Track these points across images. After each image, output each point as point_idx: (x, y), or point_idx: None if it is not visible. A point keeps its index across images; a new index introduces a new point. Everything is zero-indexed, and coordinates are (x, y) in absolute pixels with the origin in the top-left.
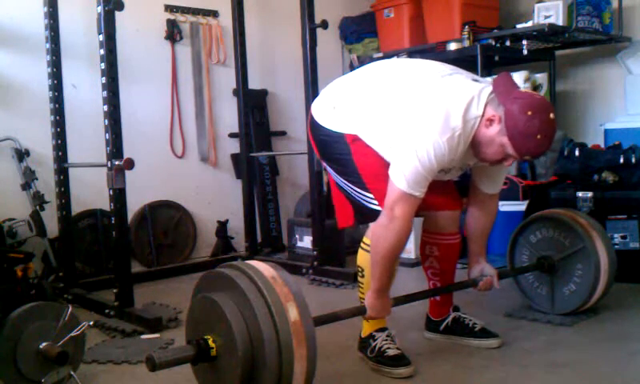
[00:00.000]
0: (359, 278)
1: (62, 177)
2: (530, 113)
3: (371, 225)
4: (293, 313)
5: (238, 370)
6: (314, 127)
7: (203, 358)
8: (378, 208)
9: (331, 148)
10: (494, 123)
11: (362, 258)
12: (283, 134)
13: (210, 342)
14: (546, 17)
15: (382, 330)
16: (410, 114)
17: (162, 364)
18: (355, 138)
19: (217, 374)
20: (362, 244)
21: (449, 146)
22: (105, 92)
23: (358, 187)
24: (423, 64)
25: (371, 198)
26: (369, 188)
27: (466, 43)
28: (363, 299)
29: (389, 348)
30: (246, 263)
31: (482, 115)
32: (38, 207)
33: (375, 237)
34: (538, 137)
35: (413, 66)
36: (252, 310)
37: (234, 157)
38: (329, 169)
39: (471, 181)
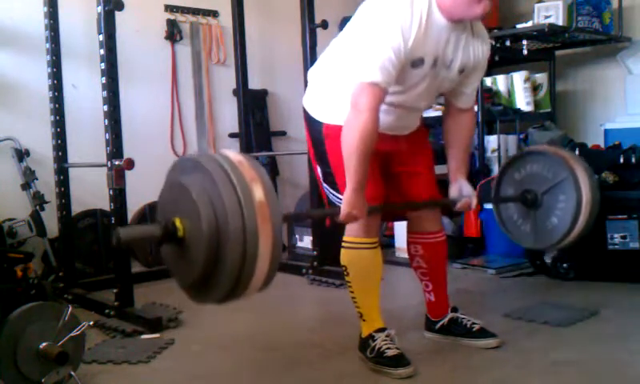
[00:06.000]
0: (346, 277)
1: (61, 177)
2: None
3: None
4: (258, 192)
5: (203, 247)
6: (308, 121)
7: (170, 238)
8: None
9: (316, 140)
10: None
11: (345, 257)
12: (283, 134)
13: (178, 223)
14: (546, 17)
15: (382, 330)
16: (367, 21)
17: (128, 240)
18: (327, 133)
19: (183, 255)
20: (342, 243)
21: (411, 12)
22: (105, 92)
23: (332, 189)
24: None
25: (341, 199)
26: (338, 186)
27: None
28: (354, 298)
29: (388, 348)
30: (217, 152)
31: None
32: (37, 207)
33: (344, 134)
34: None
35: None
36: (217, 190)
37: None
38: (319, 169)
39: (445, 98)
